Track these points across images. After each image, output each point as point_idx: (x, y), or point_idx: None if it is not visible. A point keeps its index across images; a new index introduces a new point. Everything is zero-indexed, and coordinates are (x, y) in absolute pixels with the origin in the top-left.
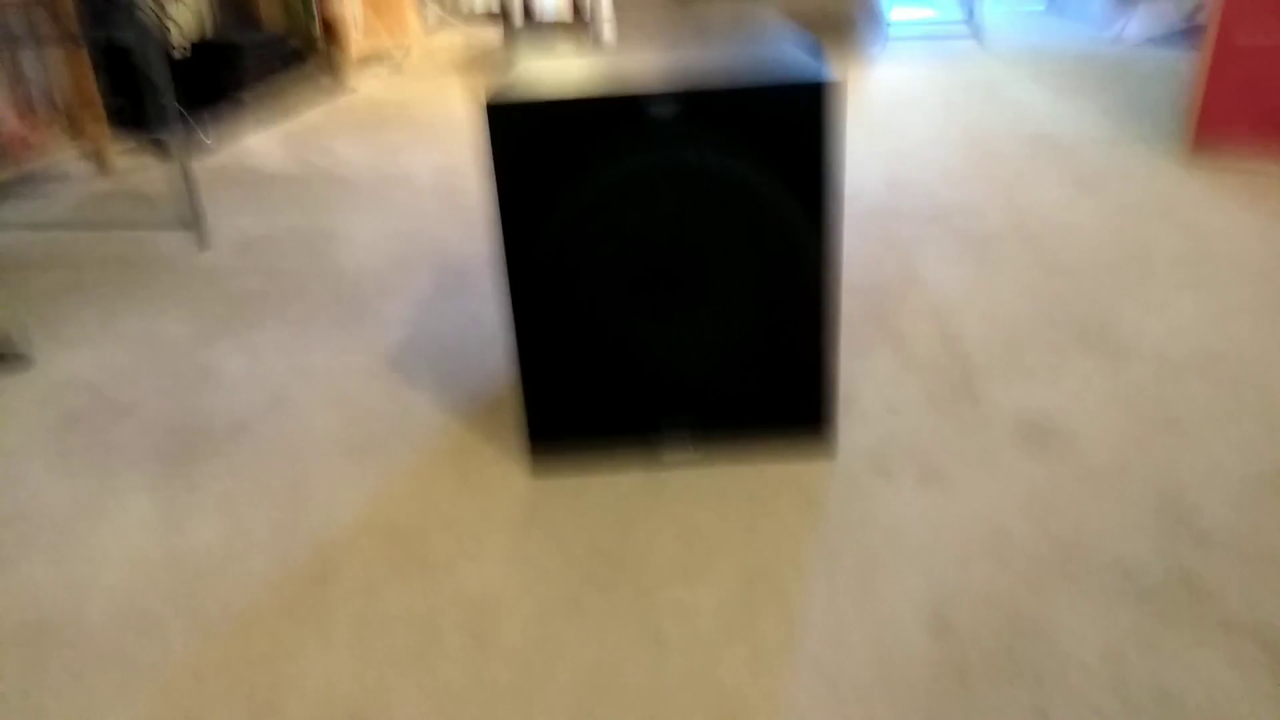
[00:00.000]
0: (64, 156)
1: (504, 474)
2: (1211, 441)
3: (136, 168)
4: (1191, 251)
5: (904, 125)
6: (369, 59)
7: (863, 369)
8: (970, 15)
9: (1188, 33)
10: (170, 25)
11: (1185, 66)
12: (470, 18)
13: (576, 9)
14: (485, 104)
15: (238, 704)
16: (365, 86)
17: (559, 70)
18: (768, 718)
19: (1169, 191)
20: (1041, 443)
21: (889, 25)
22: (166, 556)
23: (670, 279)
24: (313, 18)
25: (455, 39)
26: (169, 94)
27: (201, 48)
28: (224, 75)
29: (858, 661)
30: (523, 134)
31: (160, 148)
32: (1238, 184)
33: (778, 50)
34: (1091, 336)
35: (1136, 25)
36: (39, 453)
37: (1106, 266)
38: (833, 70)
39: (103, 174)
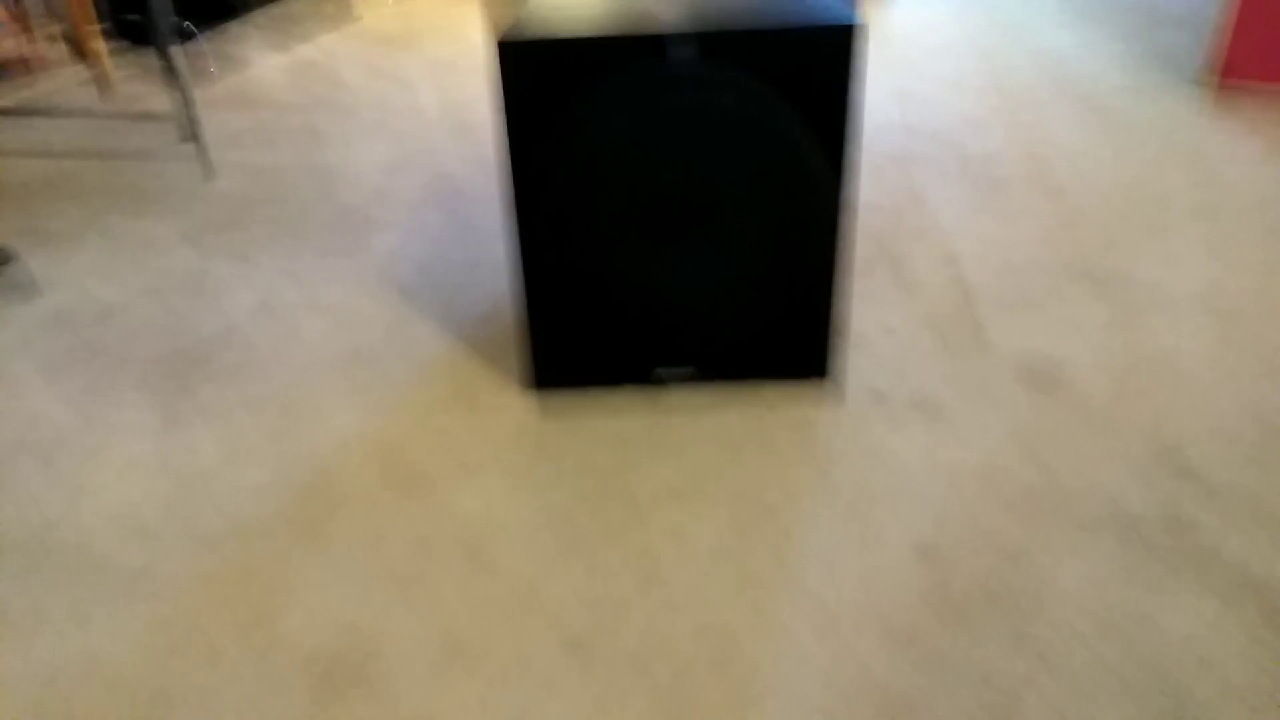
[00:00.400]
0: (64, 78)
1: (504, 398)
2: (1212, 386)
3: (138, 92)
4: (1206, 197)
5: (924, 60)
6: None
7: (870, 304)
8: None
9: None
10: None
11: (1210, 8)
12: None
13: None
14: (497, 41)
15: (236, 610)
16: (372, 14)
17: (574, 5)
18: (757, 638)
19: (1187, 135)
20: (1042, 381)
21: None
22: (164, 466)
23: (682, 222)
24: None
25: None
26: (172, 15)
27: None
28: None
29: (848, 585)
30: (535, 72)
31: (163, 71)
32: (1257, 130)
33: None
34: (1100, 278)
35: None
36: (42, 371)
37: (1120, 209)
38: (857, 11)
39: (103, 97)
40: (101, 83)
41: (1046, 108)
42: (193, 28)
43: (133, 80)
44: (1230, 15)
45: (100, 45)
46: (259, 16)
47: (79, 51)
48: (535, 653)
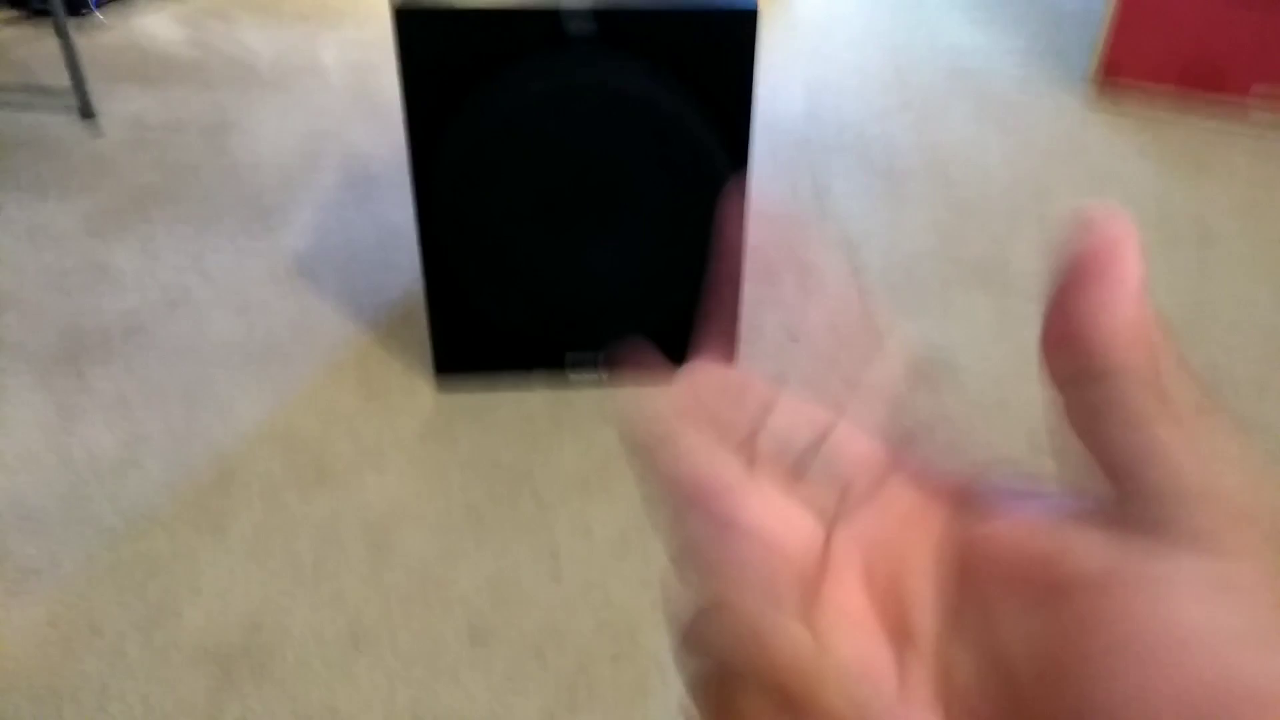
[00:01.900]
0: None
1: (410, 386)
2: None
3: (17, 40)
4: (1089, 193)
5: (827, 49)
6: None
7: (767, 296)
8: None
9: None
10: None
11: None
12: None
13: None
14: (396, 8)
15: (133, 606)
16: None
17: None
18: (655, 630)
19: (1074, 132)
20: (930, 374)
21: None
22: (58, 458)
23: (581, 201)
24: None
25: None
26: None
27: None
28: None
29: None
30: (435, 42)
31: (45, 19)
32: (1137, 128)
33: None
34: (988, 269)
35: None
36: None
37: (1008, 205)
38: None
39: None
40: None
41: (946, 102)
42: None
43: (16, 42)
44: (1113, 17)
45: None
46: None
47: None
48: (438, 643)
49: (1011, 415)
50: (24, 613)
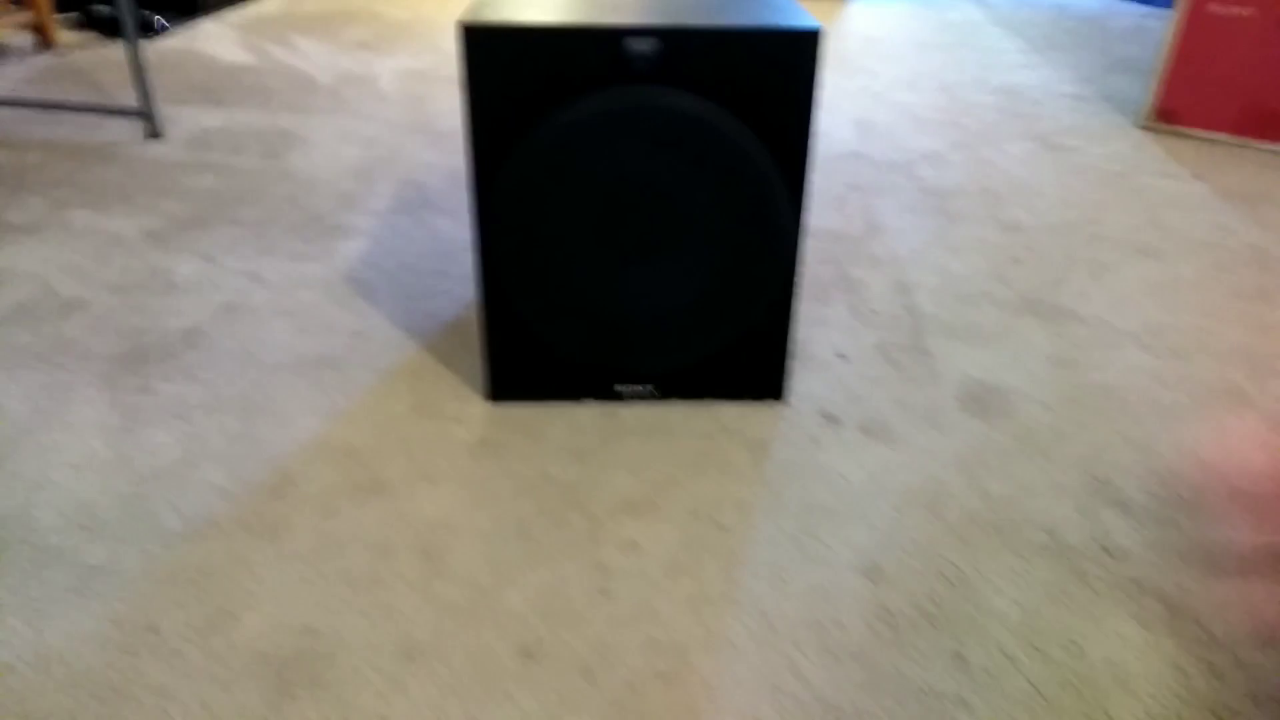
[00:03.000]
0: (29, 67)
1: (466, 408)
2: (1142, 411)
3: (82, 45)
4: (1143, 219)
5: (877, 69)
6: None
7: (818, 317)
8: None
9: None
10: None
11: (1158, 27)
12: None
13: None
14: (461, 25)
15: (193, 610)
16: None
17: None
18: (705, 651)
19: (1128, 155)
20: (984, 402)
21: None
22: (120, 461)
23: (639, 223)
24: None
25: None
26: (139, 9)
27: None
28: None
29: (794, 602)
30: (498, 58)
31: (109, 26)
32: (1194, 152)
33: None
34: (1040, 299)
35: None
36: (0, 366)
37: (1061, 228)
38: (812, 16)
39: (45, 51)
40: (48, 49)
41: (999, 138)
42: (163, 21)
43: (81, 47)
44: (1167, 65)
45: (48, 9)
46: (230, 15)
47: (26, 19)
48: (489, 660)
49: (1067, 445)
50: (88, 615)
